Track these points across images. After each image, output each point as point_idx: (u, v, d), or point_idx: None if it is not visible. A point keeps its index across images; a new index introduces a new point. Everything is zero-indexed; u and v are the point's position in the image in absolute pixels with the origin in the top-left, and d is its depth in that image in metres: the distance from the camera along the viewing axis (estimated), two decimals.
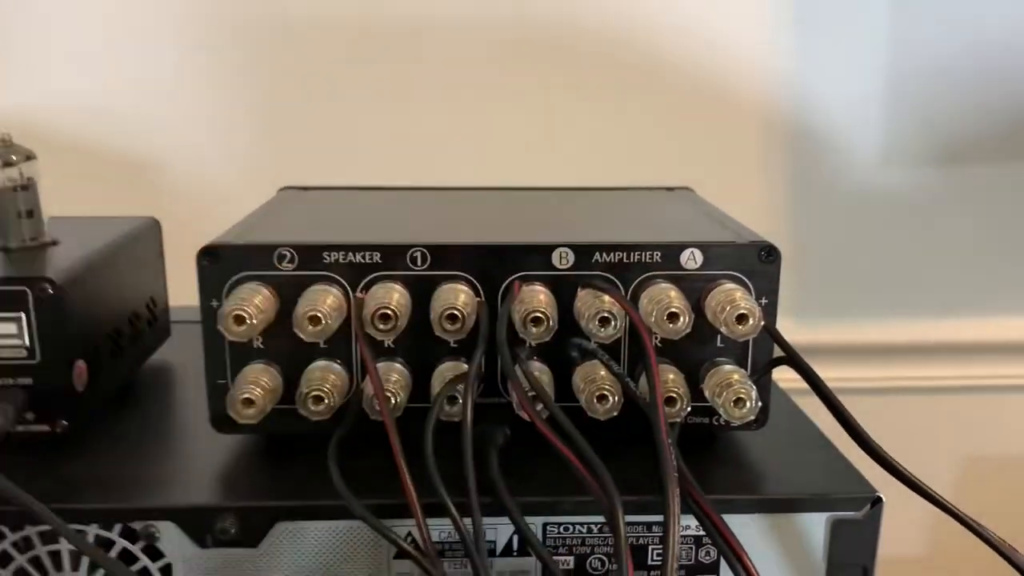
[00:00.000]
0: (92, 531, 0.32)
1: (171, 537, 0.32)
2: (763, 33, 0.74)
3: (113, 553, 0.32)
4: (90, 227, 0.42)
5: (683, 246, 0.34)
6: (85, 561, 0.32)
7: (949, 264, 0.82)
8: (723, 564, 0.33)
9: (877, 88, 0.77)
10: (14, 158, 0.38)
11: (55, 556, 0.32)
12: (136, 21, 0.68)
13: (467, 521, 0.30)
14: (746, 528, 0.32)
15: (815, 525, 0.33)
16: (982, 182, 0.80)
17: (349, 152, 0.71)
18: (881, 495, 0.33)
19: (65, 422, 0.35)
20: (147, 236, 0.44)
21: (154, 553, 0.32)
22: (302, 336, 0.32)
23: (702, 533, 0.32)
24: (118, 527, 0.32)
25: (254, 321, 0.32)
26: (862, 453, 0.34)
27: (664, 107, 0.74)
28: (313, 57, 0.69)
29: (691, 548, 0.33)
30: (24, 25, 0.67)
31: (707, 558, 0.33)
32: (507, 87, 0.72)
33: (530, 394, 0.32)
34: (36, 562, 0.32)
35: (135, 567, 0.32)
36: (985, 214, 0.81)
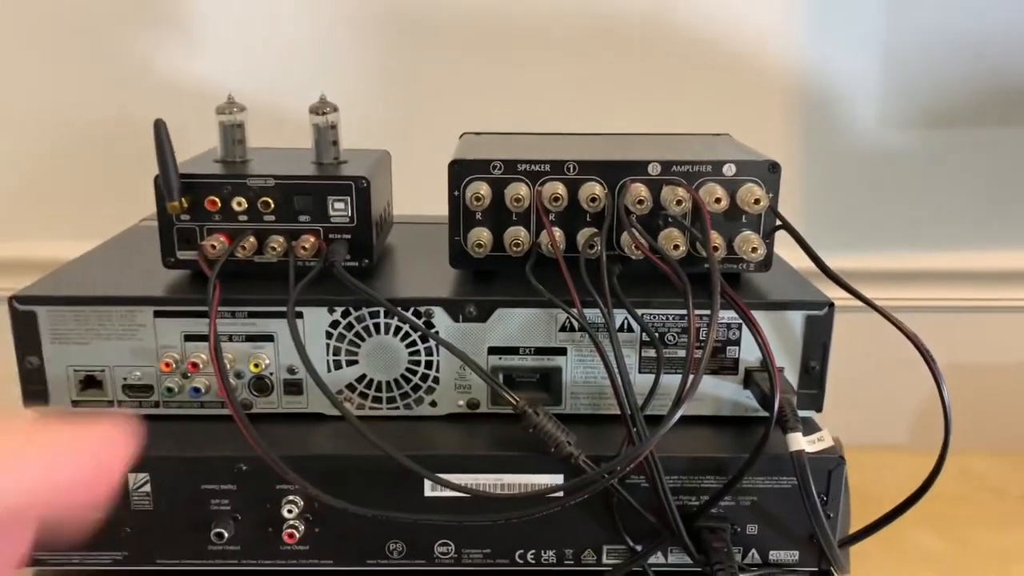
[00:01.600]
0: (398, 311, 0.58)
1: (439, 316, 0.58)
2: (777, 11, 0.94)
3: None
4: (357, 154, 0.68)
5: (724, 162, 0.59)
6: (392, 328, 0.58)
7: (935, 208, 1.02)
8: (743, 335, 0.58)
9: (874, 61, 0.98)
10: (327, 109, 0.64)
11: (376, 326, 0.58)
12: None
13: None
14: (759, 319, 0.57)
15: (796, 319, 0.58)
16: (966, 143, 1.00)
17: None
18: (833, 302, 0.58)
19: (367, 260, 0.62)
20: (384, 161, 0.71)
21: (429, 325, 0.58)
22: (509, 208, 0.59)
23: (730, 321, 0.58)
24: (411, 310, 0.58)
25: (483, 199, 0.58)
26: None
27: (700, 76, 0.95)
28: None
29: (724, 330, 0.58)
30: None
31: (733, 335, 0.58)
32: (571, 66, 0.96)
33: (638, 237, 0.58)
34: (366, 329, 0.58)
35: (419, 333, 0.58)
36: (967, 169, 1.01)
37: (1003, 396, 1.09)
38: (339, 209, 0.60)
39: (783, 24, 0.96)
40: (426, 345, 0.58)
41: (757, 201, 0.58)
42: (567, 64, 0.95)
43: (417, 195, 0.72)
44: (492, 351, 0.59)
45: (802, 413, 0.59)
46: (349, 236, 0.61)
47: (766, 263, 0.60)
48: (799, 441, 0.53)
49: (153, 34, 0.94)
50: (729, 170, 0.59)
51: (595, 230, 0.60)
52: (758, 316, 0.57)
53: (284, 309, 0.55)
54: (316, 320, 0.58)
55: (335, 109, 0.64)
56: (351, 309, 0.58)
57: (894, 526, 0.57)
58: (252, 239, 0.60)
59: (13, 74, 0.96)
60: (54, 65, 0.95)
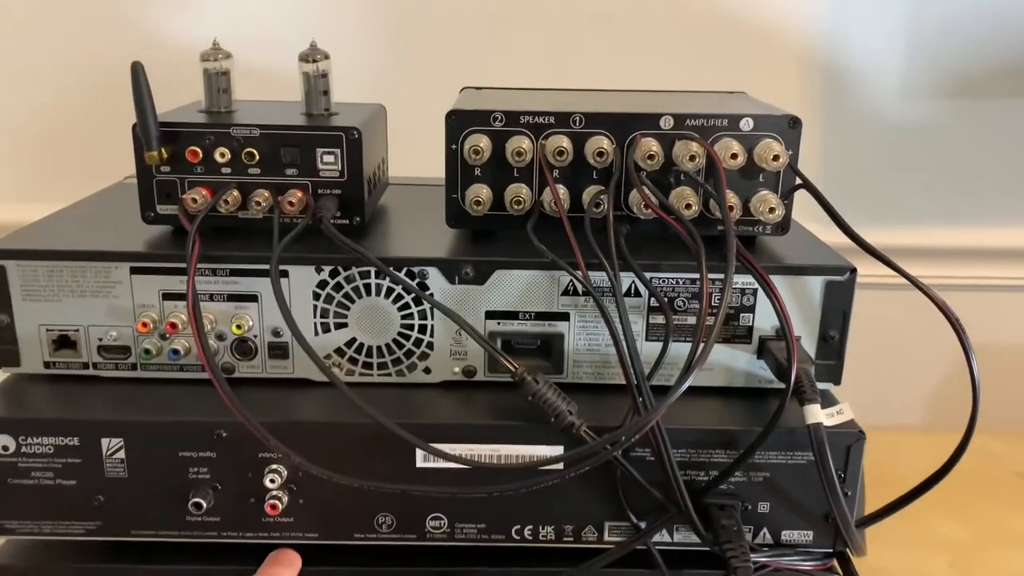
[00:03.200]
0: (390, 271, 0.54)
1: (434, 277, 0.54)
2: None
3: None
4: (350, 108, 0.64)
5: (741, 116, 0.55)
6: (384, 289, 0.55)
7: (957, 182, 0.98)
8: (758, 301, 0.54)
9: (898, 27, 0.95)
10: (318, 56, 0.60)
11: (367, 287, 0.55)
12: None
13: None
14: (778, 285, 0.53)
15: (815, 284, 0.54)
16: (986, 115, 0.95)
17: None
18: (855, 266, 0.54)
19: (358, 218, 0.58)
20: (380, 115, 0.67)
21: (423, 287, 0.55)
22: (511, 161, 0.55)
23: (744, 286, 0.54)
24: (404, 270, 0.54)
25: (483, 153, 0.54)
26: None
27: (717, 40, 0.91)
28: None
29: (738, 296, 0.55)
30: None
31: (748, 301, 0.55)
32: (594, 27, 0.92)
33: (648, 195, 0.54)
34: (356, 290, 0.55)
35: (412, 295, 0.55)
36: (986, 142, 0.97)
37: (1017, 373, 1.06)
38: (329, 162, 0.57)
39: None
40: (420, 308, 0.55)
41: (776, 158, 0.54)
42: (578, 19, 0.91)
43: (415, 156, 0.69)
44: (490, 315, 0.55)
45: (819, 386, 0.55)
46: (339, 192, 0.57)
47: (783, 225, 0.57)
48: (817, 413, 0.49)
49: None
50: (747, 124, 0.55)
51: (602, 187, 0.56)
52: (775, 281, 0.53)
53: (268, 267, 0.51)
54: (303, 280, 0.54)
55: (326, 56, 0.61)
56: (340, 268, 0.54)
57: (911, 508, 0.53)
58: (236, 193, 0.56)
59: None
60: (35, 26, 0.91)
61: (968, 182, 0.99)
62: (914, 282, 0.53)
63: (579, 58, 0.92)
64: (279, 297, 0.50)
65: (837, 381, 0.56)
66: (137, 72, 0.53)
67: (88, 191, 0.70)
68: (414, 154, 0.69)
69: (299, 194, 0.56)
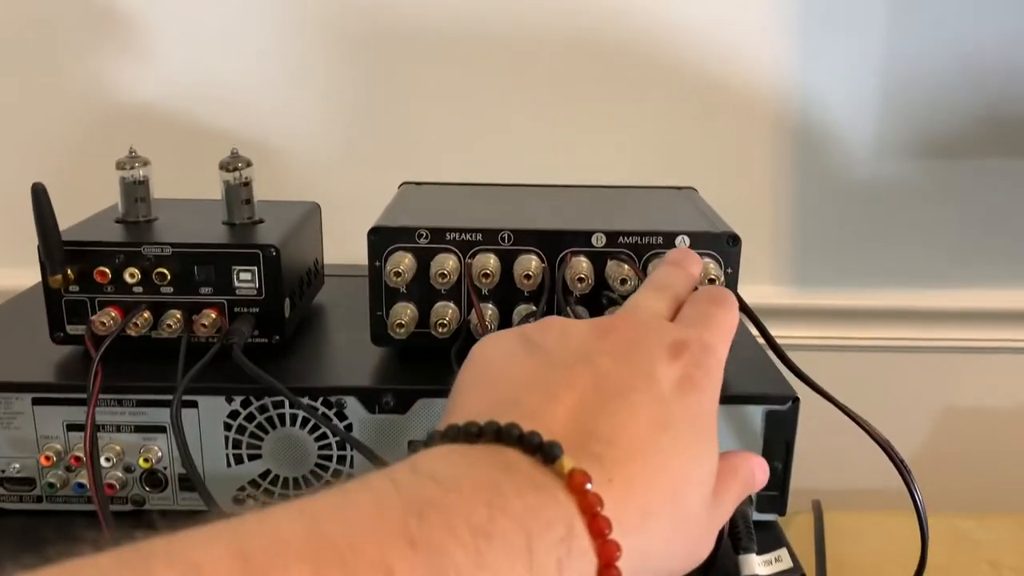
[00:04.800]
0: (305, 400, 0.51)
1: (352, 406, 0.52)
2: (769, 35, 0.87)
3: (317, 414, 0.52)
4: (279, 209, 0.61)
5: (677, 233, 0.52)
6: (299, 419, 0.52)
7: (931, 243, 0.95)
8: None
9: (872, 89, 0.92)
10: (240, 164, 0.57)
11: (281, 416, 0.52)
12: (259, 22, 0.86)
13: None
14: None
15: (755, 414, 0.51)
16: (962, 174, 0.93)
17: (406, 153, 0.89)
18: (798, 396, 0.51)
19: (278, 337, 0.55)
20: (314, 215, 0.64)
21: (341, 416, 0.52)
22: (434, 285, 0.52)
23: None
24: (320, 399, 0.51)
25: (404, 275, 0.52)
26: None
27: (686, 101, 0.88)
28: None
29: None
30: (156, 20, 0.85)
31: None
32: (532, 94, 0.89)
33: None
34: (269, 420, 0.52)
35: (331, 423, 0.52)
36: (964, 201, 0.95)
37: (1002, 443, 1.03)
38: (245, 280, 0.54)
39: (775, 48, 0.88)
40: (338, 438, 0.52)
41: (713, 281, 0.51)
42: (546, 80, 0.88)
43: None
44: (414, 446, 0.52)
45: (762, 517, 0.52)
46: (257, 310, 0.54)
47: None
48: (753, 564, 0.46)
49: (105, 53, 0.87)
50: (682, 242, 0.52)
51: (532, 307, 0.53)
52: None
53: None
54: (213, 409, 0.51)
55: (248, 164, 0.58)
56: (252, 398, 0.51)
57: None
58: (147, 314, 0.53)
59: None
60: None
61: (946, 242, 0.96)
62: (852, 416, 0.50)
63: (545, 111, 0.89)
64: (178, 435, 0.47)
65: (782, 512, 0.53)
66: (38, 194, 0.51)
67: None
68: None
69: (213, 315, 0.53)
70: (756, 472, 0.38)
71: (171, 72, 0.85)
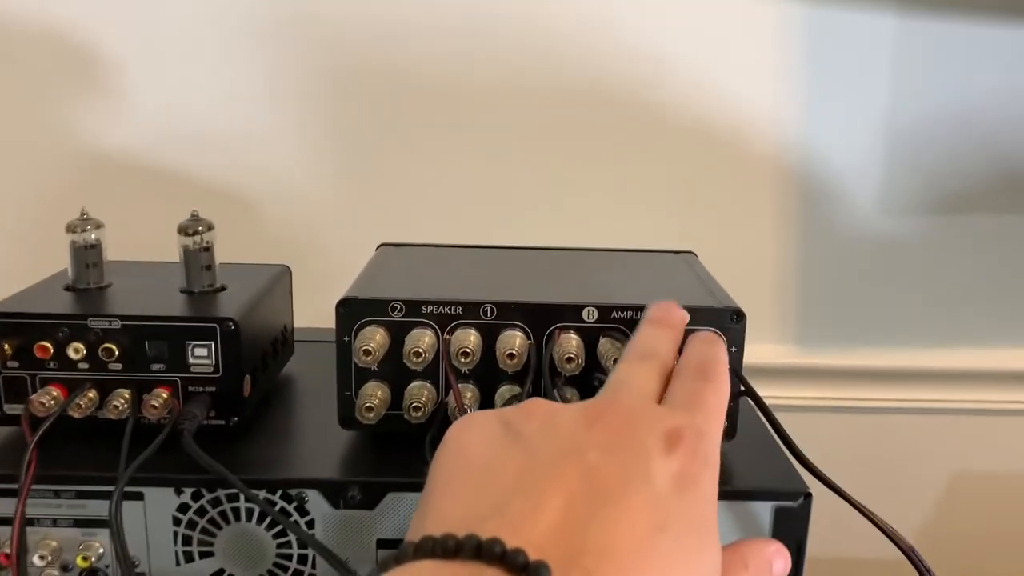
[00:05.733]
0: (262, 494, 0.46)
1: (315, 500, 0.46)
2: (774, 90, 0.85)
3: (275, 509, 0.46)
4: (245, 274, 0.57)
5: None
6: (255, 514, 0.47)
7: (939, 301, 0.92)
8: None
9: (877, 145, 0.89)
10: (200, 228, 0.53)
11: (236, 511, 0.47)
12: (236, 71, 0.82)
13: None
14: (720, 513, 0.45)
15: (763, 510, 0.46)
16: (970, 230, 0.91)
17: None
18: (811, 491, 0.46)
19: (236, 418, 0.50)
20: (283, 279, 0.59)
21: (302, 511, 0.47)
22: (408, 364, 0.47)
23: None
24: (279, 492, 0.46)
25: (375, 353, 0.47)
26: None
27: (689, 157, 0.86)
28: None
29: None
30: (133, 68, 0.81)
31: None
32: (521, 150, 0.85)
33: None
34: (223, 514, 0.47)
35: (290, 520, 0.46)
36: (972, 258, 0.92)
37: (1018, 510, 0.98)
38: (201, 356, 0.49)
39: (779, 104, 0.85)
40: (298, 537, 0.47)
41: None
42: (535, 136, 0.84)
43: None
44: (382, 544, 0.47)
45: None
46: (213, 389, 0.49)
47: (729, 433, 0.49)
48: None
49: (82, 103, 0.83)
50: None
51: (516, 389, 0.48)
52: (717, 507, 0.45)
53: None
54: (161, 502, 0.46)
55: (209, 227, 0.53)
56: (203, 490, 0.46)
57: None
58: (92, 393, 0.48)
59: None
60: None
61: (953, 300, 0.92)
62: (859, 510, 0.45)
63: (535, 167, 0.85)
64: (118, 534, 0.42)
65: None
66: None
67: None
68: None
69: (164, 395, 0.48)
70: (774, 561, 0.34)
71: (138, 121, 0.81)
